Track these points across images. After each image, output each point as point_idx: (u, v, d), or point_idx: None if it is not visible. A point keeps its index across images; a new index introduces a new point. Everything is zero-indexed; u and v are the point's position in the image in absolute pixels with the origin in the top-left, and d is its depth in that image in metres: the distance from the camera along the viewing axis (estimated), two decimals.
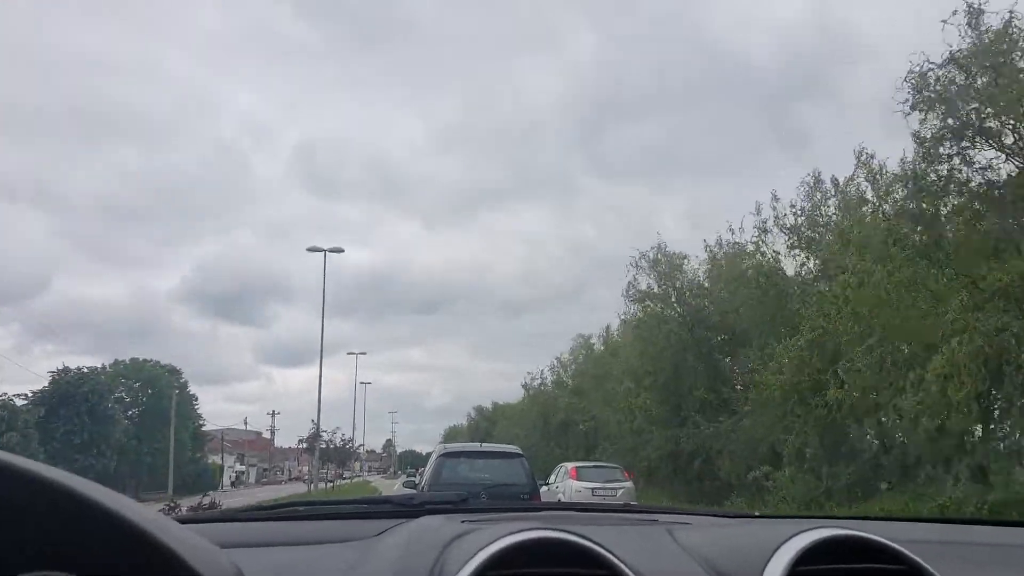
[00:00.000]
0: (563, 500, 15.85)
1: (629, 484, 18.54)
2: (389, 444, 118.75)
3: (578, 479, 18.09)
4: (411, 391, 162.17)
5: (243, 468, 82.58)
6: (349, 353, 56.46)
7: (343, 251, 33.96)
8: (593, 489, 17.40)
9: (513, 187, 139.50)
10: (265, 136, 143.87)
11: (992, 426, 13.40)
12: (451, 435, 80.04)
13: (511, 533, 0.94)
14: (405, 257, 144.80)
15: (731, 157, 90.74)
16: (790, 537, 1.02)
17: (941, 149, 13.39)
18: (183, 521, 1.28)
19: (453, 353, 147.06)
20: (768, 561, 0.99)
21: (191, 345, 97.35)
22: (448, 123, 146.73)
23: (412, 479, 16.48)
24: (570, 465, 19.73)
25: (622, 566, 0.95)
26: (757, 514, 2.23)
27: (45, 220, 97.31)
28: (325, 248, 33.02)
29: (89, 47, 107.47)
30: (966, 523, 1.67)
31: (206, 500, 17.64)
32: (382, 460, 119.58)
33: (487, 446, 11.97)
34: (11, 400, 44.18)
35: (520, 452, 10.91)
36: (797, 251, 21.28)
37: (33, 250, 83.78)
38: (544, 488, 19.83)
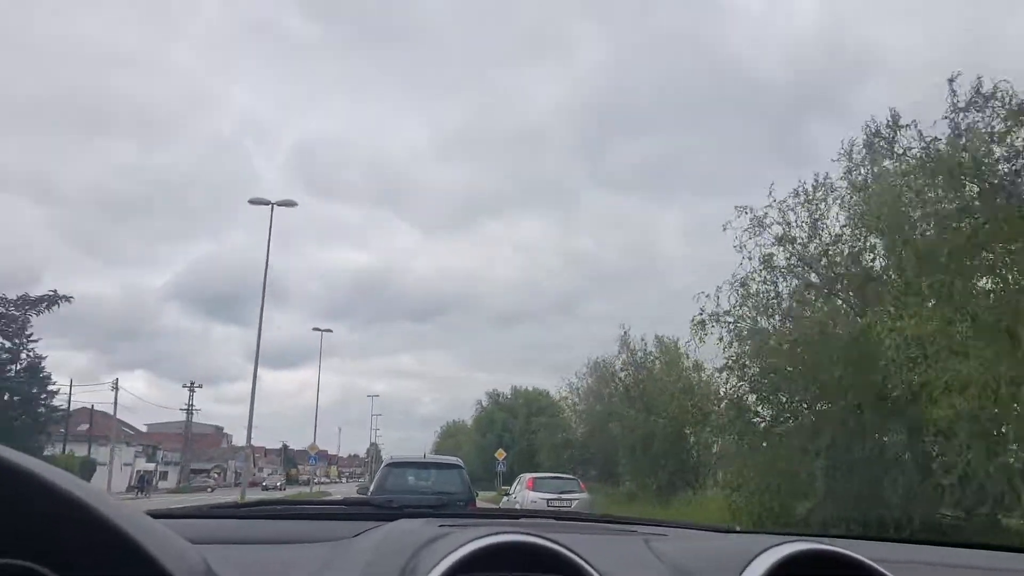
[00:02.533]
0: (519, 509, 17.00)
1: (585, 496, 19.43)
2: (373, 447, 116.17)
3: (534, 490, 18.99)
4: (401, 398, 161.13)
5: (152, 467, 61.93)
6: (315, 329, 51.80)
7: (295, 204, 31.07)
8: (548, 500, 18.18)
9: (513, 196, 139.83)
10: (265, 134, 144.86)
11: None
12: (450, 431, 79.33)
13: (485, 536, 0.95)
14: (401, 263, 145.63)
15: (734, 172, 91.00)
16: (765, 549, 1.03)
17: None
18: (156, 516, 1.32)
19: (445, 362, 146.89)
20: (743, 572, 1.01)
21: (179, 344, 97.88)
22: (451, 129, 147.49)
23: (367, 487, 17.68)
24: (528, 476, 20.75)
25: (595, 573, 0.96)
26: (738, 529, 2.24)
27: (37, 212, 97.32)
28: (272, 201, 30.09)
29: (89, 38, 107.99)
30: (934, 544, 1.71)
31: None
32: (364, 465, 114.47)
33: (431, 457, 13.32)
34: None
35: (460, 464, 12.10)
36: None
37: (24, 242, 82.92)
38: (505, 499, 20.96)
